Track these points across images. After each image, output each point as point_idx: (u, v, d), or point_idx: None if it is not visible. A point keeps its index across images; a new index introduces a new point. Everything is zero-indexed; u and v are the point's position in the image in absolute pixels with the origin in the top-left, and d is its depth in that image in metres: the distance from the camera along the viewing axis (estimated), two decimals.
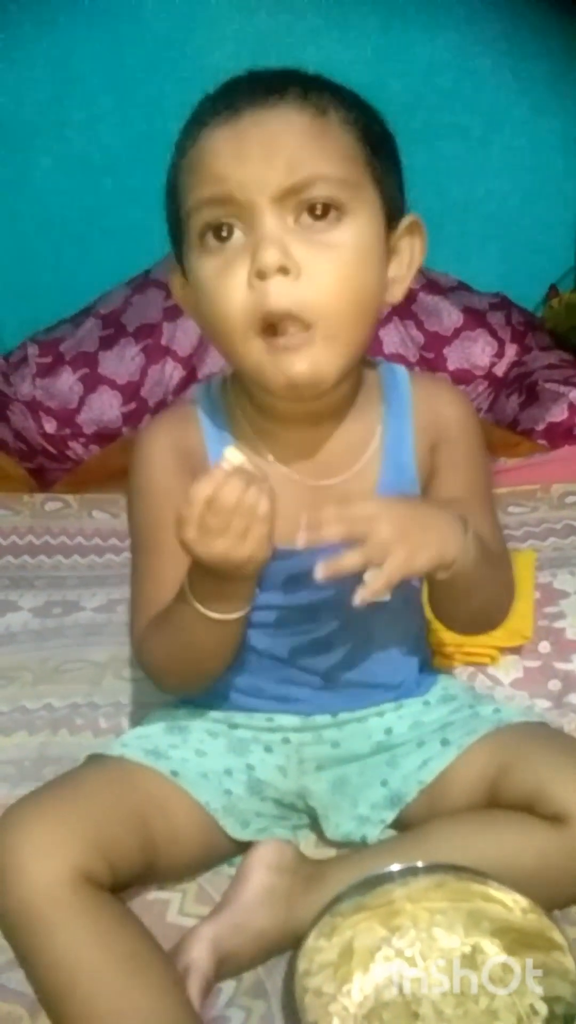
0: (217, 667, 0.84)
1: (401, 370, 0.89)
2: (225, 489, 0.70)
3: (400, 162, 0.79)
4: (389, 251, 0.78)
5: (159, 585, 0.81)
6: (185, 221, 0.75)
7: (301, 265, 0.71)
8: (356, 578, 0.81)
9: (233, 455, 0.72)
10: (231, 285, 0.72)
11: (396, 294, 0.79)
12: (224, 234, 0.72)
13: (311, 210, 0.71)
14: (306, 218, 0.71)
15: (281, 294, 0.70)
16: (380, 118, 0.78)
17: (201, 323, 0.79)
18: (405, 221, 0.78)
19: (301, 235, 0.71)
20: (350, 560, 0.72)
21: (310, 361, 0.73)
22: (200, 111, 0.74)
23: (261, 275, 0.70)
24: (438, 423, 0.87)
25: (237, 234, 0.72)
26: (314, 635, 0.86)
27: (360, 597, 0.72)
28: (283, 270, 0.70)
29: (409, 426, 0.86)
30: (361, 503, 0.75)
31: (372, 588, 0.72)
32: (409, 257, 0.80)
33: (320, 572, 0.72)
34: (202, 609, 0.76)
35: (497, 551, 0.88)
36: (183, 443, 0.84)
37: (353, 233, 0.73)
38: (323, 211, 0.71)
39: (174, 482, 0.82)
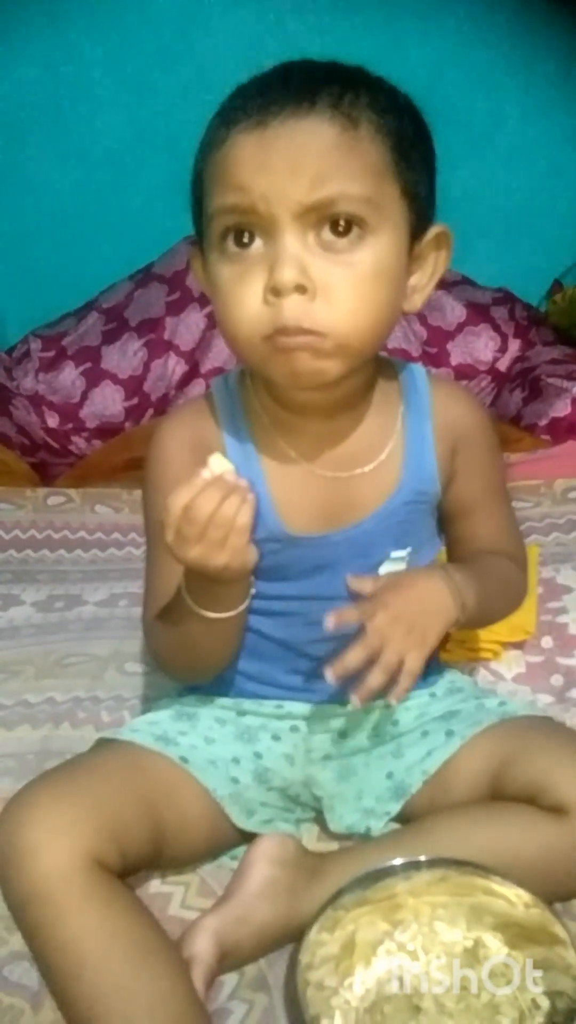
0: (219, 660, 0.85)
1: (420, 370, 0.89)
2: (200, 499, 0.70)
3: (434, 164, 0.78)
4: (413, 260, 0.77)
5: (168, 577, 0.81)
6: (207, 222, 0.75)
7: (318, 284, 0.70)
8: (374, 568, 0.85)
9: (217, 463, 0.72)
10: (247, 294, 0.72)
11: (416, 303, 0.79)
12: (245, 240, 0.72)
13: (334, 225, 0.70)
14: (328, 234, 0.71)
15: (295, 312, 0.70)
16: (417, 116, 0.77)
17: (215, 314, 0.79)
18: (433, 231, 0.78)
19: (321, 253, 0.71)
20: (376, 680, 0.77)
21: (315, 360, 0.73)
22: (229, 109, 0.73)
23: (277, 292, 0.70)
24: (457, 428, 0.88)
25: (257, 242, 0.72)
26: None
27: (394, 699, 0.77)
28: (299, 289, 0.70)
29: (429, 425, 0.87)
30: (363, 607, 0.79)
31: (403, 688, 0.77)
32: (432, 267, 0.79)
33: (356, 701, 0.77)
34: (195, 607, 0.77)
35: (508, 550, 0.93)
36: (199, 436, 0.85)
37: (374, 252, 0.72)
38: (346, 227, 0.71)
39: (188, 476, 0.82)
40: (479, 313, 1.93)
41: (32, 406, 1.88)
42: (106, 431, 1.87)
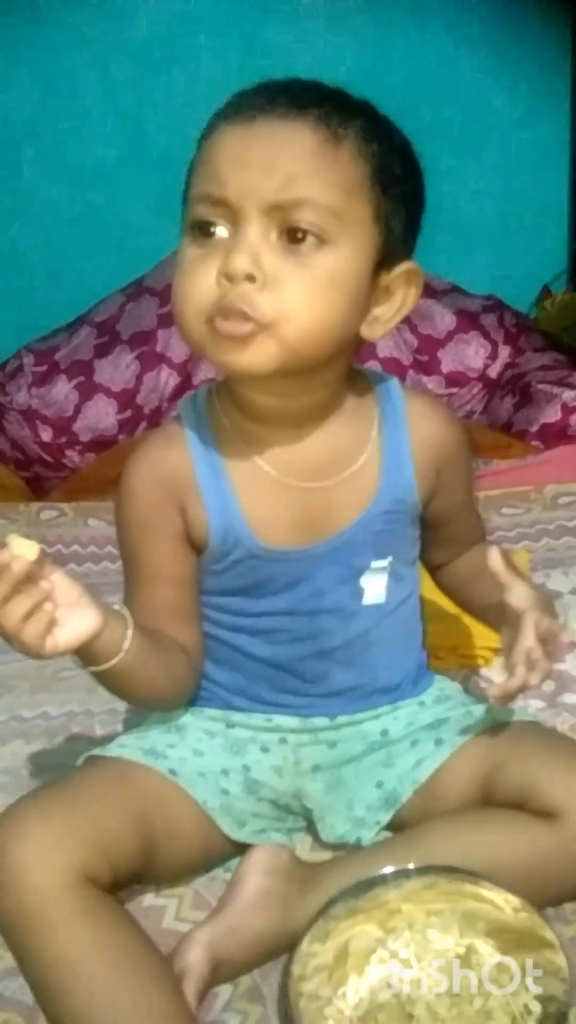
0: (152, 697, 0.86)
1: (393, 382, 0.89)
2: None
3: (420, 205, 0.80)
4: (380, 290, 0.78)
5: (135, 612, 0.81)
6: (187, 205, 0.77)
7: (268, 276, 0.72)
8: (355, 579, 0.85)
9: (17, 545, 0.69)
10: (203, 275, 0.74)
11: (376, 333, 0.80)
12: (211, 231, 0.74)
13: (292, 232, 0.72)
14: (286, 239, 0.73)
15: (243, 298, 0.72)
16: (410, 160, 0.79)
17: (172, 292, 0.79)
18: (403, 266, 0.79)
19: (280, 251, 0.72)
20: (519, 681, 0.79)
21: (244, 352, 0.74)
22: (227, 104, 0.76)
23: (229, 278, 0.72)
24: (438, 444, 0.88)
25: (222, 231, 0.74)
26: (314, 641, 0.87)
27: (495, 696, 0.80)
28: (250, 278, 0.72)
29: (406, 436, 0.87)
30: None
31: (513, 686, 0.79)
32: (400, 302, 0.80)
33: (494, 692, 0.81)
34: (75, 660, 0.78)
35: (480, 535, 0.99)
36: (167, 469, 0.84)
37: (330, 261, 0.73)
38: (303, 237, 0.73)
39: (156, 513, 0.83)
40: (469, 321, 1.94)
41: (25, 420, 1.89)
42: (100, 444, 1.87)
